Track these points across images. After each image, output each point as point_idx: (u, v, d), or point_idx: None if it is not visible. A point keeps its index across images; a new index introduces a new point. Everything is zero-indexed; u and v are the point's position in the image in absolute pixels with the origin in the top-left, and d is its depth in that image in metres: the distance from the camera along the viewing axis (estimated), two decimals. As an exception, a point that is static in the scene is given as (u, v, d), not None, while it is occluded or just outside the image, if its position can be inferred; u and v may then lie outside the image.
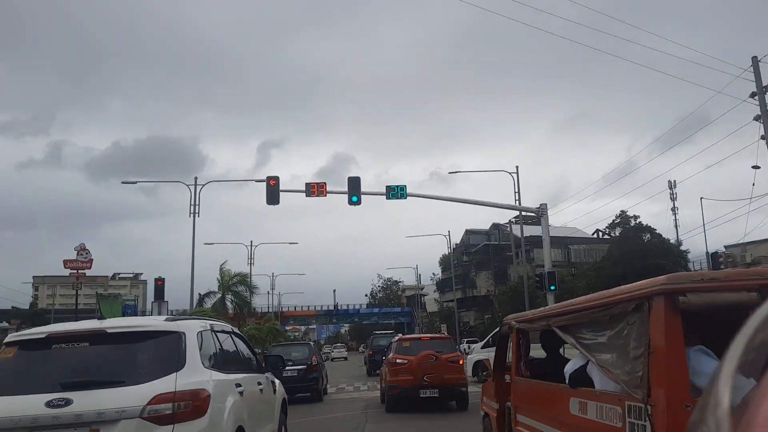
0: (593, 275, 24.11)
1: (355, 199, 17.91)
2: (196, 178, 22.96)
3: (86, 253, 45.69)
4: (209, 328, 4.67)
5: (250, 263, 40.32)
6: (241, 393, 4.52)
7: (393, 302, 75.61)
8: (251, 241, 40.44)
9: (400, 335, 17.59)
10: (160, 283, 21.70)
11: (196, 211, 22.35)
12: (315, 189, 17.95)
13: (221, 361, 4.60)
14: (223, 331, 5.07)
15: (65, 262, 47.05)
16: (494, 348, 5.12)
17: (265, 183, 17.75)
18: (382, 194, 18.65)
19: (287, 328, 61.93)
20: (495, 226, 60.10)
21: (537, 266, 53.86)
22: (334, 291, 77.73)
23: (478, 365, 6.77)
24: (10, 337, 4.22)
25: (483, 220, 64.00)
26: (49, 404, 3.49)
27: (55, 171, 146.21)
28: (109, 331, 4.05)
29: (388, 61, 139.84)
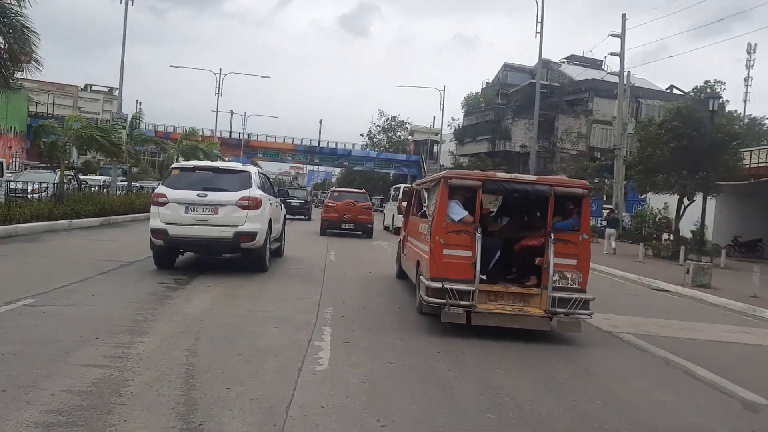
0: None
1: None
2: None
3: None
4: (258, 170, 12.32)
5: (218, 94, 53.21)
6: (271, 203, 11.66)
7: (397, 148, 74.84)
8: (220, 69, 46.89)
9: (333, 188, 31.67)
10: None
11: None
12: None
13: (262, 187, 11.64)
14: (263, 173, 12.95)
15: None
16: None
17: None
18: None
19: (257, 161, 61.80)
20: (544, 63, 57.35)
21: (595, 120, 52.63)
22: (320, 121, 76.94)
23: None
24: (174, 165, 12.68)
25: (527, 56, 60.52)
26: (197, 195, 10.44)
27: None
28: (220, 167, 11.88)
29: None
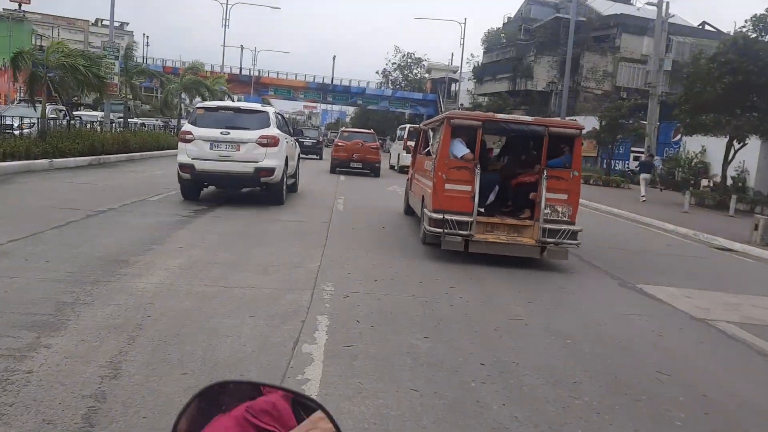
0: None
1: None
2: None
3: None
4: (275, 111, 13.23)
5: (225, 25, 52.43)
6: (287, 142, 12.38)
7: (413, 87, 71.64)
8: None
9: (344, 128, 34.09)
10: None
11: None
12: None
13: (279, 126, 12.32)
14: (279, 114, 13.64)
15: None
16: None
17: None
18: None
19: (269, 99, 59.37)
20: (572, -5, 53.75)
21: (622, 58, 49.35)
22: (334, 58, 73.79)
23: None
24: (199, 105, 13.90)
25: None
26: (221, 133, 11.28)
27: None
28: (241, 107, 12.67)
29: None
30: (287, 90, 65.40)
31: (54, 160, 16.30)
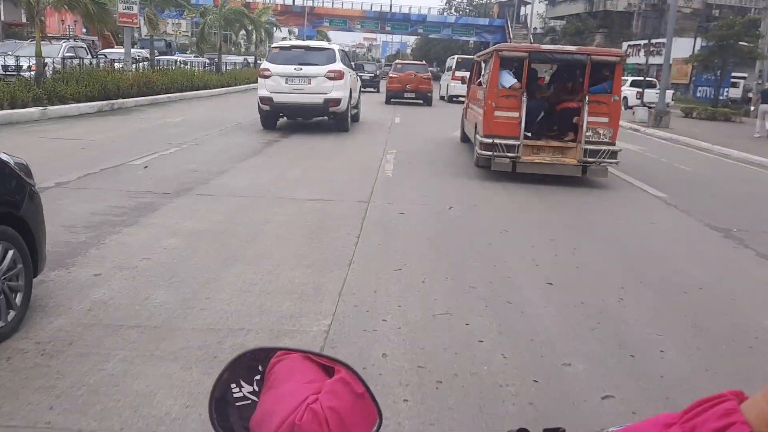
0: None
1: None
2: None
3: None
4: (339, 48, 14.45)
5: None
6: (350, 75, 14.21)
7: (479, 12, 66.13)
8: None
9: (398, 60, 34.63)
10: None
11: None
12: None
13: (343, 61, 13.81)
14: (342, 50, 14.73)
15: None
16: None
17: None
18: None
19: (324, 30, 55.56)
20: None
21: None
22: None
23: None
24: (274, 45, 16.10)
25: None
26: (294, 69, 13.02)
27: None
28: (310, 45, 15.01)
29: None
30: (342, 20, 60.94)
31: (49, 107, 13.49)
